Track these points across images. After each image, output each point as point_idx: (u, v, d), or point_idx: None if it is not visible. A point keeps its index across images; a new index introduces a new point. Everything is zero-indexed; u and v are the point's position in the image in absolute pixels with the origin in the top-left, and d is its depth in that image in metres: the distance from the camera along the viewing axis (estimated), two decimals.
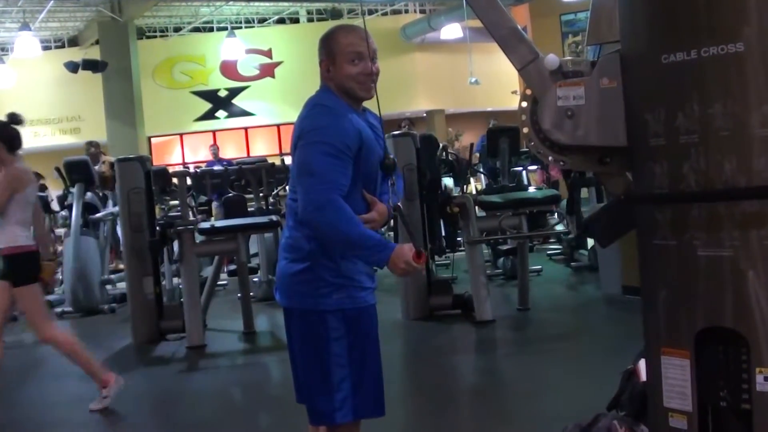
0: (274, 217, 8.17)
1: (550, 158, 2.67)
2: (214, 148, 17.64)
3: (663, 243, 2.47)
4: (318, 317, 3.06)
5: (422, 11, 24.08)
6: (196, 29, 23.24)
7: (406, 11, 24.36)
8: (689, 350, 2.43)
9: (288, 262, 3.11)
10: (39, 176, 16.47)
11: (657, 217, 2.49)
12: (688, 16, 2.39)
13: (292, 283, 3.10)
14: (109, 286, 10.69)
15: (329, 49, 3.07)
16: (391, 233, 10.63)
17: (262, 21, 23.18)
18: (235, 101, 23.00)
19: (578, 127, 2.58)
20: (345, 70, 3.02)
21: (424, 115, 24.61)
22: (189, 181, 9.93)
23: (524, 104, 2.67)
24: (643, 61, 2.48)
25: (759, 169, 2.30)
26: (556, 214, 8.99)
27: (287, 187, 7.40)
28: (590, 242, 10.00)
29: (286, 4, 21.26)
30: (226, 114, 23.07)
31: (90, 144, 12.06)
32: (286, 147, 10.97)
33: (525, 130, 2.68)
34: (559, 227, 10.21)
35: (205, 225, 8.09)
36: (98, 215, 10.88)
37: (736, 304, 2.36)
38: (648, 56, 2.46)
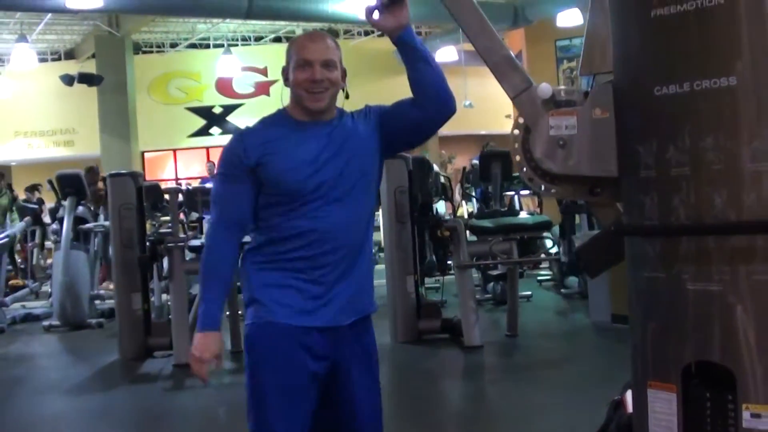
0: None
1: (541, 187, 2.67)
2: (210, 164, 17.63)
3: (652, 275, 2.46)
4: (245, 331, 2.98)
5: (418, 33, 24.16)
6: (193, 45, 23.29)
7: None
8: (676, 384, 2.42)
9: None
10: (35, 188, 16.42)
11: (646, 249, 2.47)
12: (681, 48, 2.39)
13: None
14: (97, 301, 10.65)
15: (287, 57, 2.96)
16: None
17: (258, 39, 23.23)
18: (229, 118, 23.03)
19: (570, 157, 2.57)
20: (293, 76, 2.89)
21: None
22: (181, 198, 9.91)
23: (516, 132, 2.66)
24: (636, 93, 2.48)
25: (749, 203, 2.29)
26: (548, 240, 9.01)
27: None
28: None
29: (282, 23, 21.31)
30: (220, 131, 23.09)
31: (91, 170, 12.08)
32: None
33: (517, 158, 2.67)
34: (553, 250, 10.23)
35: (196, 242, 8.07)
36: (88, 225, 10.85)
37: (724, 339, 2.34)
38: (641, 88, 2.45)
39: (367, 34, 23.39)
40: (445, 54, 21.20)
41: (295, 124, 2.91)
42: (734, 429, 2.34)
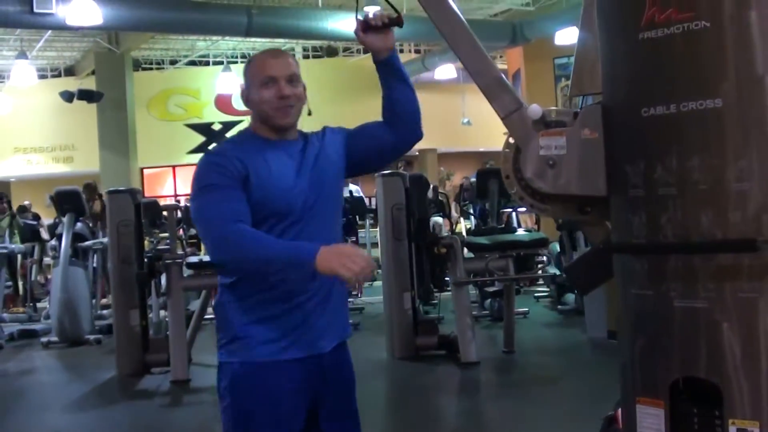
0: None
1: (531, 206, 2.71)
2: None
3: (640, 292, 2.50)
4: (219, 369, 2.83)
5: (417, 51, 24.30)
6: (192, 62, 23.38)
7: (401, 51, 24.55)
8: (664, 400, 2.46)
9: None
10: (25, 209, 16.39)
11: (635, 267, 2.52)
12: (668, 70, 2.44)
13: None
14: (100, 321, 10.67)
15: (247, 77, 2.89)
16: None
17: None
18: (228, 135, 23.06)
19: (559, 177, 2.62)
20: (258, 95, 2.83)
21: (417, 153, 24.73)
22: (179, 214, 9.95)
23: (507, 152, 2.71)
24: (624, 114, 2.52)
25: (734, 222, 2.33)
26: (544, 257, 9.04)
27: None
28: None
29: (281, 40, 21.37)
30: None
31: (88, 187, 12.13)
32: None
33: (507, 177, 2.71)
34: (550, 269, 10.27)
35: (194, 259, 8.10)
36: (87, 243, 10.88)
37: (710, 355, 2.38)
38: (628, 109, 2.50)
39: (366, 51, 23.46)
40: (444, 72, 21.31)
41: (266, 143, 2.84)
42: None
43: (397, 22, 2.88)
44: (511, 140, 2.70)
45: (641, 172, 2.46)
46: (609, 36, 2.60)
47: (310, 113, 3.04)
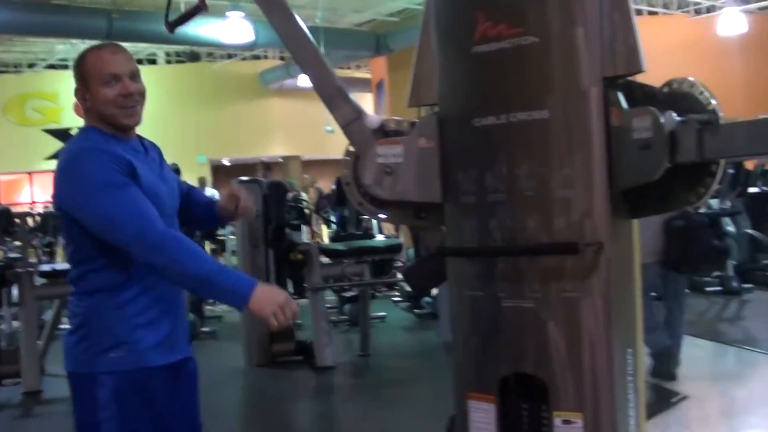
0: None
1: (371, 212, 2.81)
2: None
3: (472, 294, 2.63)
4: (90, 380, 2.64)
5: (281, 58, 24.29)
6: (51, 66, 22.83)
7: (266, 57, 24.53)
8: (494, 395, 2.58)
9: (70, 328, 2.75)
10: None
11: (467, 270, 2.64)
12: (498, 83, 2.56)
13: (70, 345, 2.71)
14: None
15: (81, 74, 2.72)
16: None
17: None
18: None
19: (397, 184, 2.72)
20: (101, 94, 2.67)
21: (281, 160, 24.72)
22: (33, 222, 9.73)
23: (347, 160, 2.80)
24: (457, 124, 2.64)
25: (559, 227, 2.47)
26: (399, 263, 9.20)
27: None
28: (435, 290, 10.21)
29: (143, 45, 21.07)
30: None
31: None
32: None
33: (348, 184, 2.80)
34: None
35: (46, 267, 7.93)
36: None
37: (537, 351, 2.52)
38: (461, 119, 2.62)
39: (230, 57, 23.34)
40: (305, 79, 21.38)
41: (120, 142, 2.72)
42: None
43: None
44: (351, 148, 2.79)
45: (473, 179, 2.59)
46: (444, 49, 2.72)
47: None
